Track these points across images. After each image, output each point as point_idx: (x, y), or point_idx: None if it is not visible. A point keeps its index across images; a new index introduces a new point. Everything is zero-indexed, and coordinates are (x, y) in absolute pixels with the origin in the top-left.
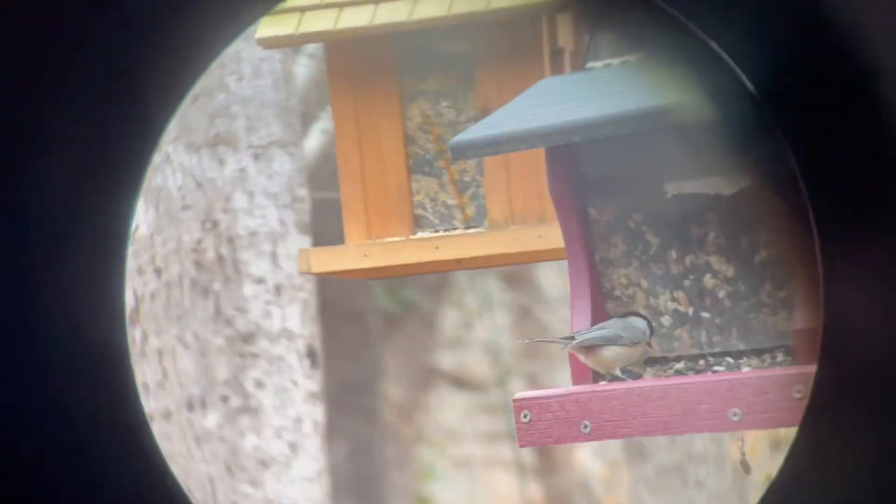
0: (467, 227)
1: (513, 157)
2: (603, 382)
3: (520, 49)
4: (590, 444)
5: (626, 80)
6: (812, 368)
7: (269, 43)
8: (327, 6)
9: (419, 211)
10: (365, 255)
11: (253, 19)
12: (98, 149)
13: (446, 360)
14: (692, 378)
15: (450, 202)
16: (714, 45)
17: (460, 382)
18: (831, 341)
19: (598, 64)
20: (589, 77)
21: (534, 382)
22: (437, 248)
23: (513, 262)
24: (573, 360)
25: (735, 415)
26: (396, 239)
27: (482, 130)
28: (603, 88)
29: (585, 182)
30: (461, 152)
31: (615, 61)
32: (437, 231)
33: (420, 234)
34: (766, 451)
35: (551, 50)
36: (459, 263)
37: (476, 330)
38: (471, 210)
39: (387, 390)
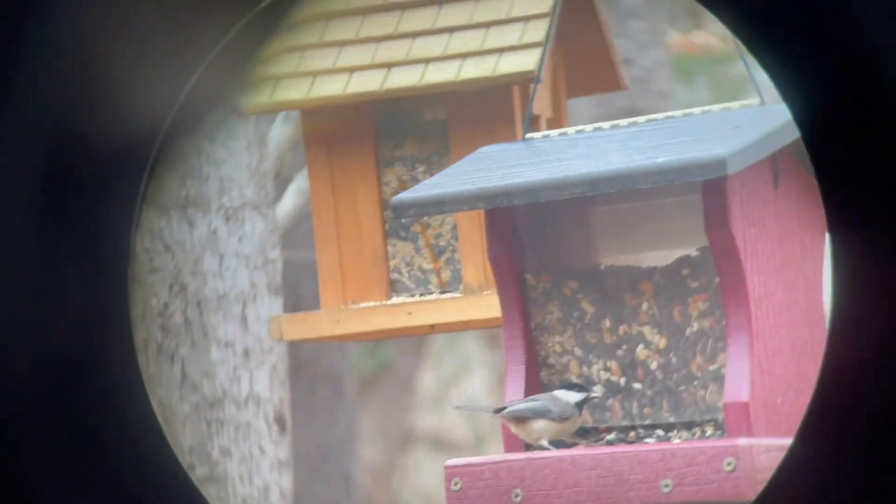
0: (443, 292)
1: None
2: (536, 451)
3: (492, 115)
4: None
5: (564, 149)
6: (741, 441)
7: (244, 111)
8: (301, 75)
9: (395, 275)
10: (338, 321)
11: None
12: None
13: (424, 421)
14: (624, 447)
15: (425, 266)
16: (761, 68)
17: (438, 444)
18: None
19: (538, 135)
20: (527, 146)
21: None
22: (409, 314)
23: (487, 327)
24: (505, 429)
25: (666, 486)
26: (370, 304)
27: (425, 190)
28: (542, 157)
29: (523, 249)
30: (403, 210)
31: (553, 133)
32: (412, 295)
33: (395, 299)
34: None
35: (526, 116)
36: (433, 329)
37: (454, 391)
38: (446, 275)
39: (362, 453)
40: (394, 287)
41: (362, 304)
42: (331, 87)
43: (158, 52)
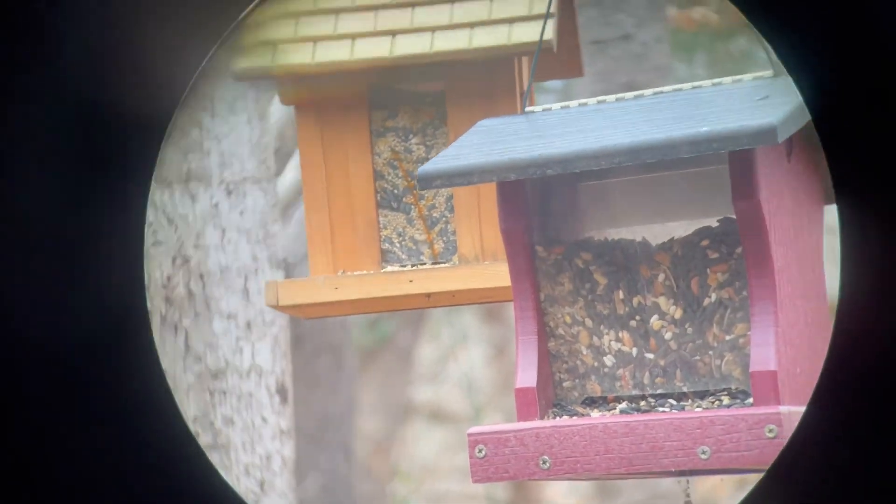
0: (435, 263)
1: (485, 194)
2: (559, 418)
3: (493, 88)
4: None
5: (577, 122)
6: (783, 409)
7: (244, 75)
8: (300, 40)
9: (386, 245)
10: (336, 288)
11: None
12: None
13: (422, 394)
14: (659, 415)
15: (417, 237)
16: (773, 54)
17: (436, 417)
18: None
19: (537, 108)
20: (530, 120)
21: (510, 416)
22: (410, 281)
23: (481, 300)
24: (519, 396)
25: (704, 453)
26: (367, 273)
27: (449, 161)
28: (558, 129)
29: (533, 221)
30: (429, 182)
31: (554, 106)
32: (404, 266)
33: (388, 268)
34: (730, 490)
35: (527, 89)
36: (429, 299)
37: (451, 364)
38: (439, 246)
39: (362, 424)
40: (385, 257)
41: (357, 273)
42: (336, 53)
43: (176, 31)
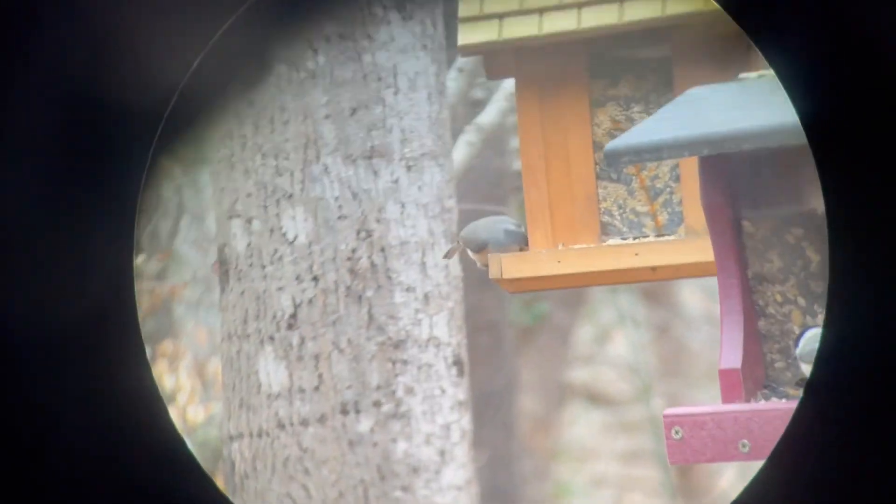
0: (659, 235)
1: None
2: (763, 402)
3: (720, 48)
4: (733, 466)
5: (783, 91)
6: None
7: (469, 50)
8: (526, 12)
9: (605, 218)
10: (558, 261)
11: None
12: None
13: (580, 375)
14: None
15: (639, 209)
16: (771, 68)
17: (593, 399)
18: None
19: (753, 74)
20: (742, 88)
21: (673, 401)
22: (636, 254)
23: (707, 274)
24: (723, 377)
25: None
26: (588, 245)
27: (640, 136)
28: (763, 98)
29: (740, 195)
30: (616, 159)
31: (768, 73)
32: (625, 238)
33: (609, 241)
34: None
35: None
36: (654, 272)
37: (610, 346)
38: (663, 217)
39: (522, 403)
40: (604, 230)
41: (577, 246)
42: (563, 23)
43: (176, 18)
